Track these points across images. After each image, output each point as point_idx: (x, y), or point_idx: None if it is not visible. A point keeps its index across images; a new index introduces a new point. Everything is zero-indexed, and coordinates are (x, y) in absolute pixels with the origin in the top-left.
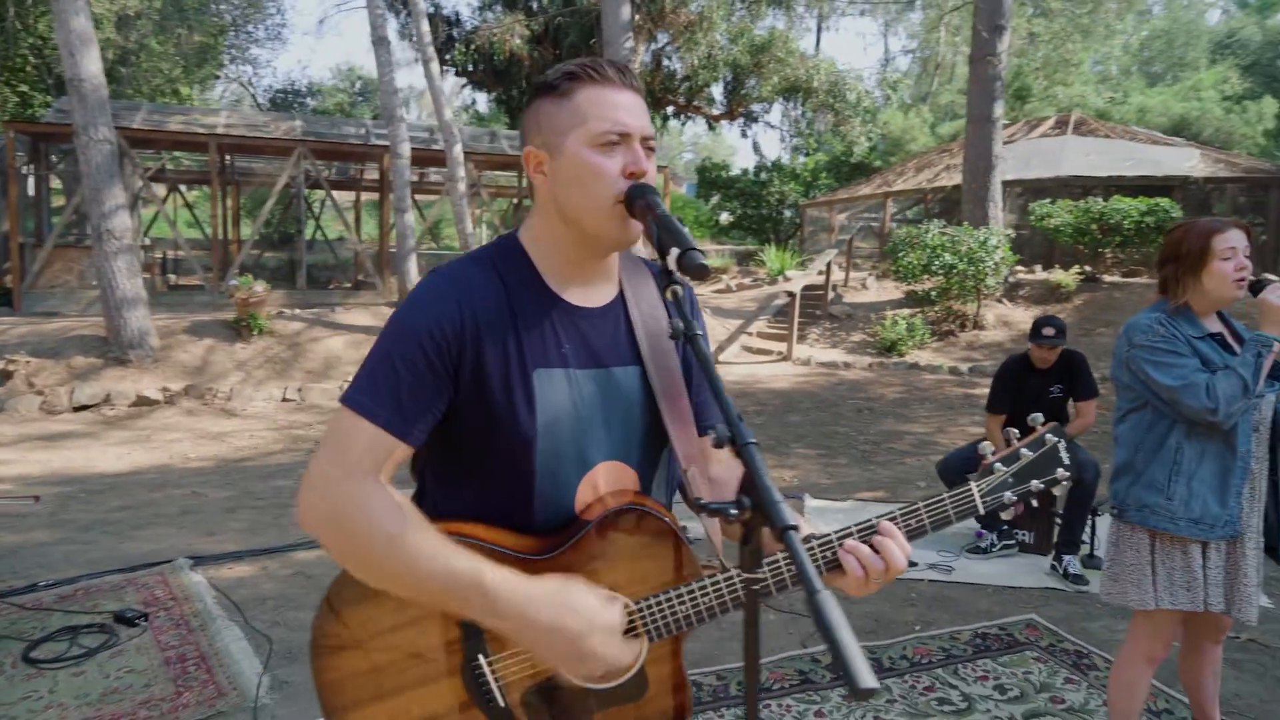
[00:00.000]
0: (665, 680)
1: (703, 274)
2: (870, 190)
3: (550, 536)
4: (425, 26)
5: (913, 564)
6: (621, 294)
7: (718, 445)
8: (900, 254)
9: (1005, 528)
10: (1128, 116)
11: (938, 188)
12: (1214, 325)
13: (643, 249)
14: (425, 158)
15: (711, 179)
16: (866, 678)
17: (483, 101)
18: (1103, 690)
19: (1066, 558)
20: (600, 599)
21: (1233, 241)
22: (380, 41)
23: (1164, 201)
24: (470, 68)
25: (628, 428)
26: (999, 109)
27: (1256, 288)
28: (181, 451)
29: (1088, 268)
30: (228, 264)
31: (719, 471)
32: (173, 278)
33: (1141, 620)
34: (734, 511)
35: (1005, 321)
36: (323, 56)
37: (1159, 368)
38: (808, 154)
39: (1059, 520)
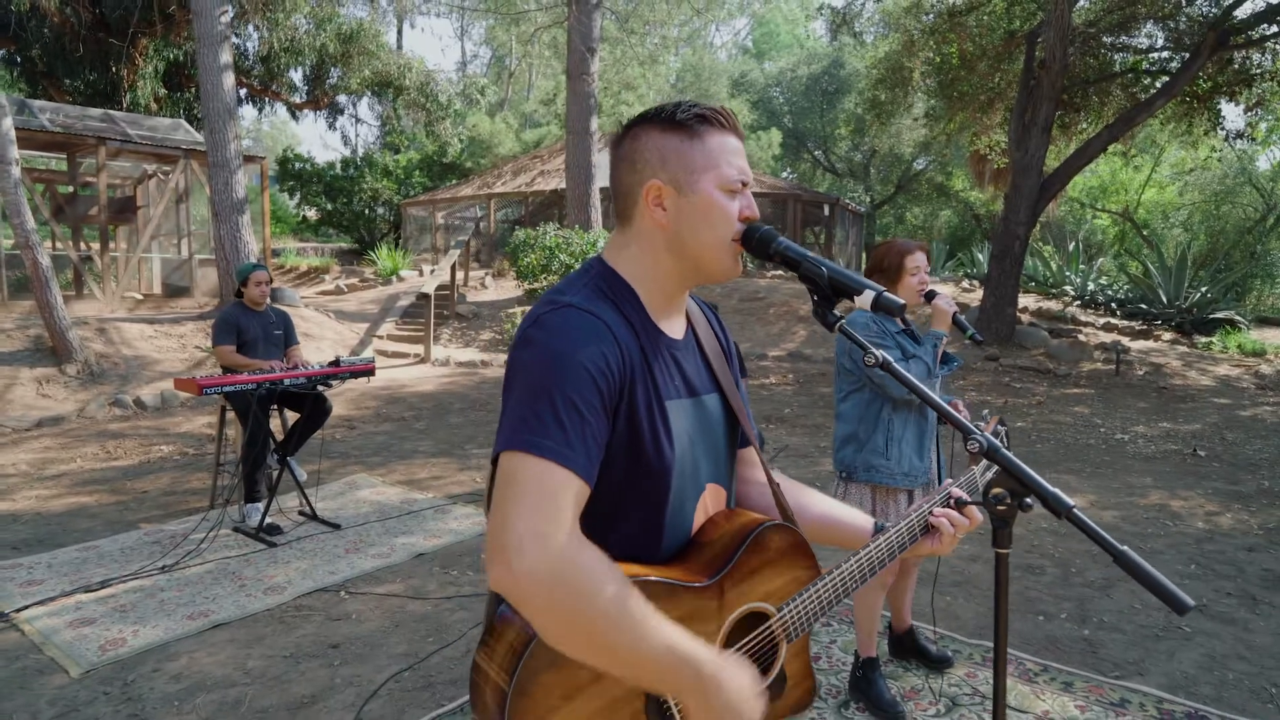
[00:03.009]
0: (799, 672)
1: (902, 310)
2: (472, 191)
3: (672, 564)
4: None
5: None
6: (691, 325)
7: (978, 454)
8: (521, 255)
9: None
10: None
11: (536, 191)
12: (902, 323)
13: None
14: None
15: (294, 171)
16: (1186, 600)
17: None
18: (840, 622)
19: None
20: (758, 694)
21: (919, 261)
22: None
23: None
24: None
25: (718, 451)
26: (595, 123)
27: (930, 296)
28: None
29: None
30: None
31: (762, 476)
32: None
33: None
34: (1023, 501)
35: None
36: None
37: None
38: (398, 151)
39: None
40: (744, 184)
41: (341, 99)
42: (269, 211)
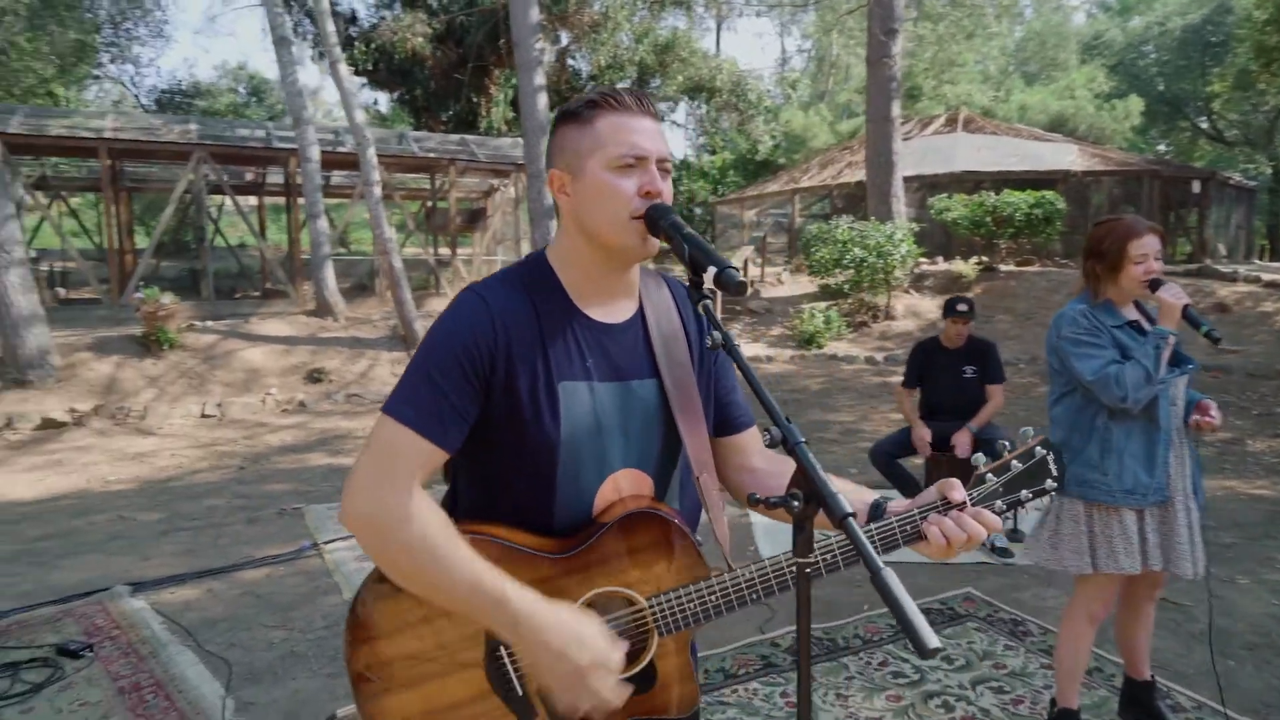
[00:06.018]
0: (674, 672)
1: (742, 290)
2: (778, 187)
3: (568, 538)
4: (331, 26)
5: None
6: (641, 309)
7: (771, 445)
8: (813, 249)
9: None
10: (1010, 114)
11: (842, 184)
12: (1131, 314)
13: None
14: (332, 160)
15: None
16: (932, 639)
17: (384, 101)
18: (1039, 654)
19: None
20: (608, 640)
21: (1146, 248)
22: (281, 42)
23: (1049, 194)
24: (370, 67)
25: (645, 437)
26: (896, 108)
27: (1155, 285)
28: (100, 474)
29: (984, 258)
30: (125, 276)
31: (760, 463)
32: (62, 291)
33: (1082, 584)
34: (795, 503)
35: (914, 311)
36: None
37: (1080, 359)
38: (714, 152)
39: None
40: (638, 159)
41: (661, 107)
42: None
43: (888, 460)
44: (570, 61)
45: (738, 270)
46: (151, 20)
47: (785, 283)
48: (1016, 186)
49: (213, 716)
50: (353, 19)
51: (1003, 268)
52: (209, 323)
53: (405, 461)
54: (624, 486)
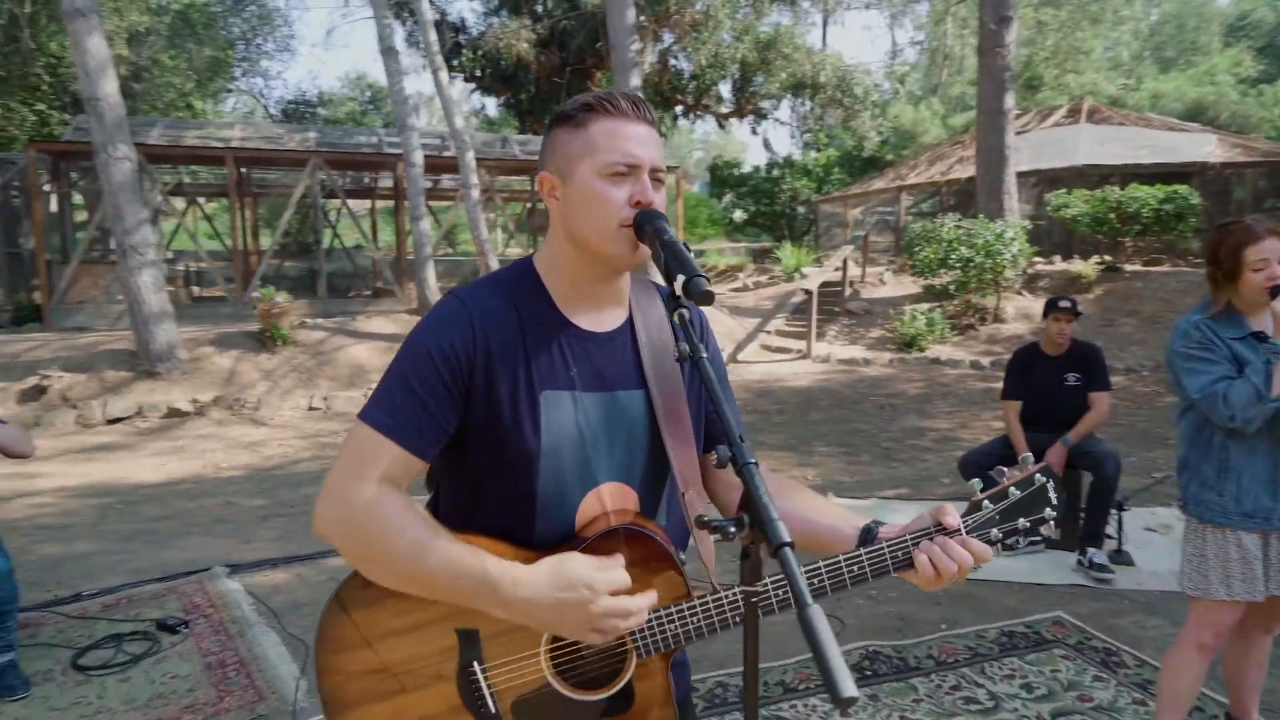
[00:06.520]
0: (652, 694)
1: (707, 299)
2: (884, 184)
3: (548, 551)
4: (433, 36)
5: None
6: (631, 319)
7: (720, 465)
8: (916, 248)
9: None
10: (1141, 103)
11: (952, 180)
12: (1260, 323)
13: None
14: (438, 164)
15: (723, 177)
16: (848, 687)
17: (492, 106)
18: (1133, 688)
19: (1091, 550)
20: (595, 566)
21: (1266, 252)
22: (388, 52)
23: (1182, 189)
24: (478, 73)
25: (631, 450)
26: (1010, 100)
27: (1275, 293)
28: (214, 461)
29: (1107, 257)
30: (249, 275)
31: (729, 478)
32: (196, 289)
33: (1195, 609)
34: (733, 529)
35: (1026, 314)
36: (333, 66)
37: (1188, 374)
38: (819, 149)
39: (1083, 515)
40: (630, 167)
41: (764, 105)
42: (683, 215)
43: (978, 472)
44: (672, 61)
45: (706, 279)
46: (278, 36)
47: (887, 283)
48: (1145, 181)
49: (286, 695)
50: (462, 26)
51: (1127, 268)
52: (320, 320)
53: (379, 468)
54: (608, 500)
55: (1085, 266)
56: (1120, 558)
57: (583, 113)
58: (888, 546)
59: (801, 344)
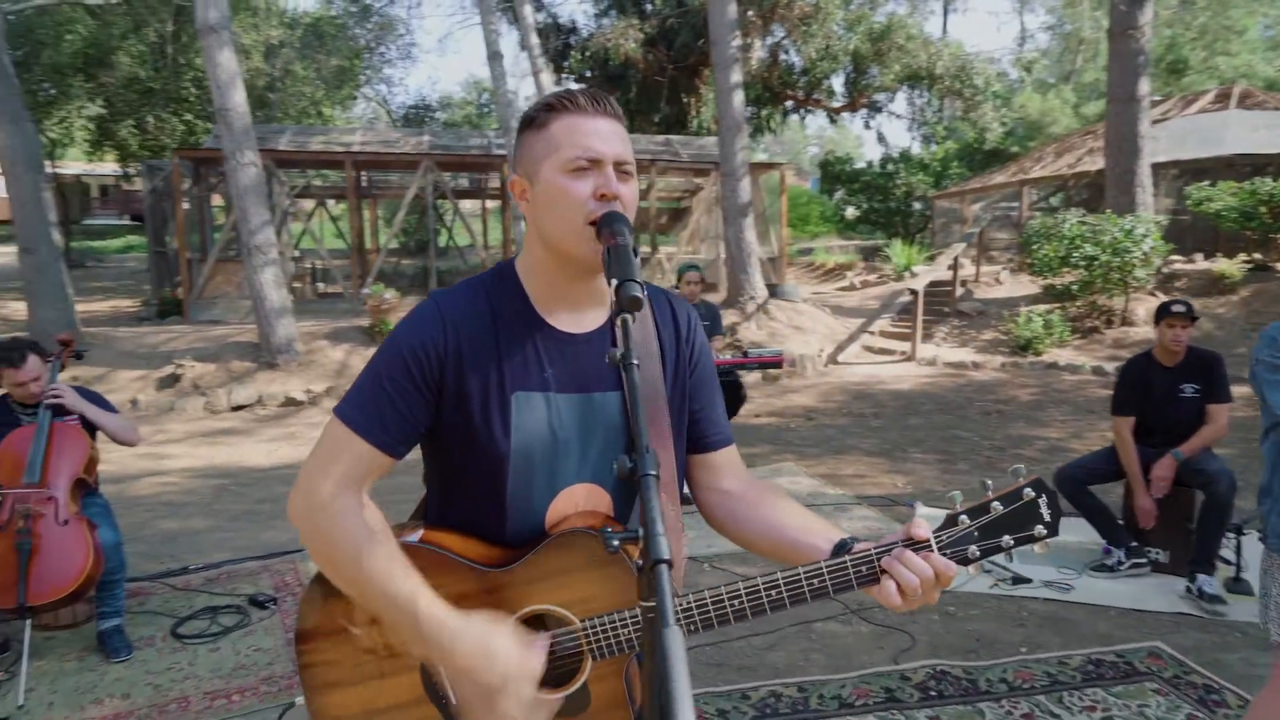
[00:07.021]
0: (608, 696)
1: (635, 306)
2: (1004, 179)
3: (520, 549)
4: (535, 40)
5: (1026, 580)
6: (611, 320)
7: (621, 475)
8: (1035, 246)
9: (1136, 544)
10: None
11: (1080, 173)
12: None
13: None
14: None
15: (835, 173)
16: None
17: None
18: None
19: (1201, 577)
20: (522, 650)
21: None
22: (494, 56)
23: None
24: (587, 74)
25: (606, 452)
26: (1144, 86)
27: None
28: None
29: (1256, 255)
30: (367, 272)
31: (732, 485)
32: (321, 286)
33: None
34: (615, 542)
35: None
36: (452, 71)
37: (1272, 387)
38: (937, 143)
39: (1195, 536)
40: (592, 161)
41: (878, 98)
42: (786, 213)
43: (1076, 487)
44: (783, 56)
45: (639, 285)
46: (400, 44)
47: (1004, 283)
48: None
49: None
50: (573, 29)
51: (1279, 267)
52: None
53: (346, 464)
54: (580, 501)
55: (1230, 266)
56: (1239, 586)
57: (544, 113)
58: (850, 560)
59: (906, 345)
